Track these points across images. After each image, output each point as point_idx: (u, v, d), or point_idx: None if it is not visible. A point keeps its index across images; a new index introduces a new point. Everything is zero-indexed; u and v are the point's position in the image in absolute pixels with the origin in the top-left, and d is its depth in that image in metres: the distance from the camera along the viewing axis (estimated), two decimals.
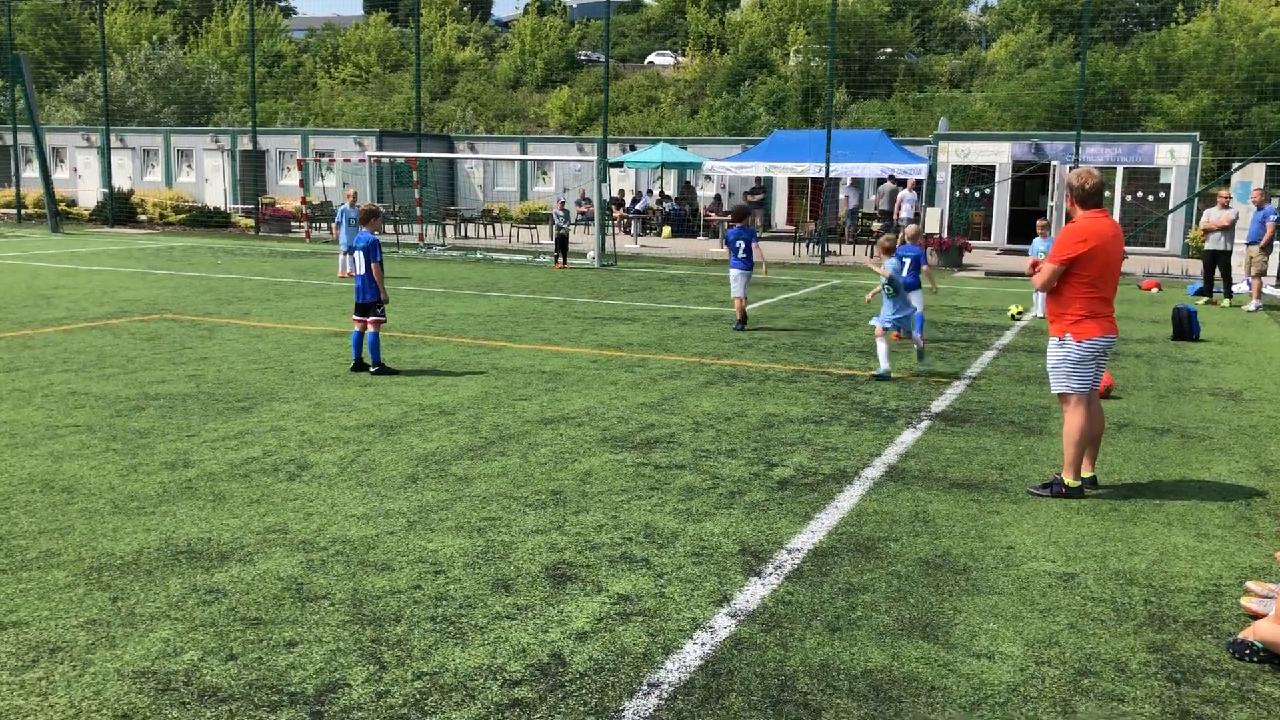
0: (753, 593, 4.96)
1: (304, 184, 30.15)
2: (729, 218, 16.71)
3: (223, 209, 35.58)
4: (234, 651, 4.26)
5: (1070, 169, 26.56)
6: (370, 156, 27.04)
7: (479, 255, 25.42)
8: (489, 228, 32.24)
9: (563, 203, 23.95)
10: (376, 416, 8.38)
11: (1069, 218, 6.65)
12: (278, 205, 33.82)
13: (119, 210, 33.69)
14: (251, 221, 32.59)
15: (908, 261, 11.88)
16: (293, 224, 32.21)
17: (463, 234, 31.58)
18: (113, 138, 37.38)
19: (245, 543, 5.50)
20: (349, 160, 29.82)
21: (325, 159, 31.06)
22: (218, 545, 5.46)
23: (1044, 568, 5.37)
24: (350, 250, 19.39)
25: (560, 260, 22.70)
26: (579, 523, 5.91)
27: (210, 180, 39.99)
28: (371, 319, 10.16)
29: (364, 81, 61.42)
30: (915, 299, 12.01)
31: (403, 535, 5.65)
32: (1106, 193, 27.94)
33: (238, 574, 5.07)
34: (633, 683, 4.06)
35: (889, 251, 10.97)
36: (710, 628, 4.56)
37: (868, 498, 6.51)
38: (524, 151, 38.04)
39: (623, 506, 6.22)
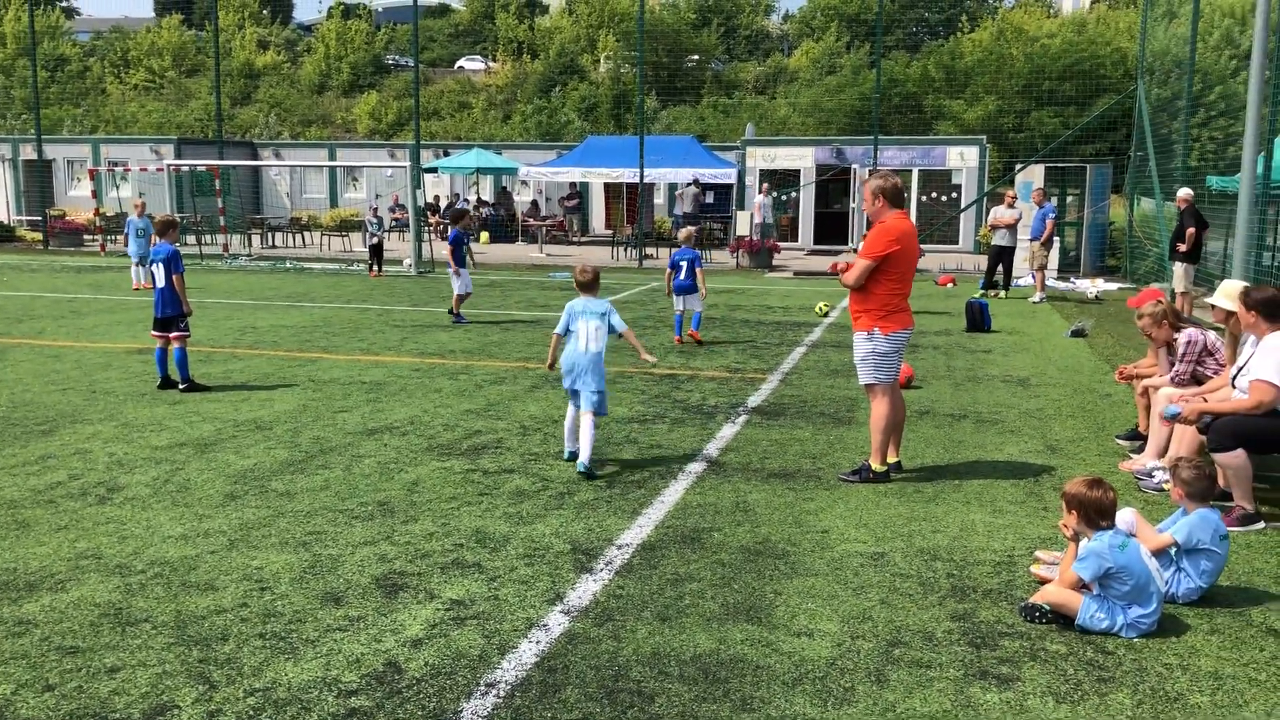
0: (585, 589, 5.07)
1: (96, 194, 28.56)
2: (449, 222, 16.60)
3: (5, 222, 33.33)
4: (50, 682, 4.08)
5: (870, 172, 27.93)
6: (169, 165, 25.85)
7: (289, 265, 24.69)
8: (298, 236, 31.34)
9: (375, 209, 23.55)
10: (189, 435, 8.10)
11: (870, 221, 7.04)
12: (68, 217, 31.91)
13: None
14: (39, 235, 30.66)
15: (684, 265, 12.77)
16: (85, 237, 30.48)
17: (270, 243, 30.60)
18: None
19: (55, 570, 5.25)
20: (145, 169, 28.44)
21: (119, 168, 29.52)
22: (24, 575, 5.19)
23: (856, 549, 5.70)
24: (143, 261, 18.81)
25: (375, 268, 22.31)
26: (408, 532, 5.90)
27: None
28: (175, 334, 9.82)
29: (158, 87, 58.67)
30: (694, 301, 12.96)
31: (225, 554, 5.51)
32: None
33: (49, 603, 4.84)
34: (470, 684, 4.12)
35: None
36: (545, 625, 4.65)
37: (691, 491, 6.73)
38: (333, 158, 37.14)
39: (452, 514, 6.24)
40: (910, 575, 5.31)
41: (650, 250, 26.80)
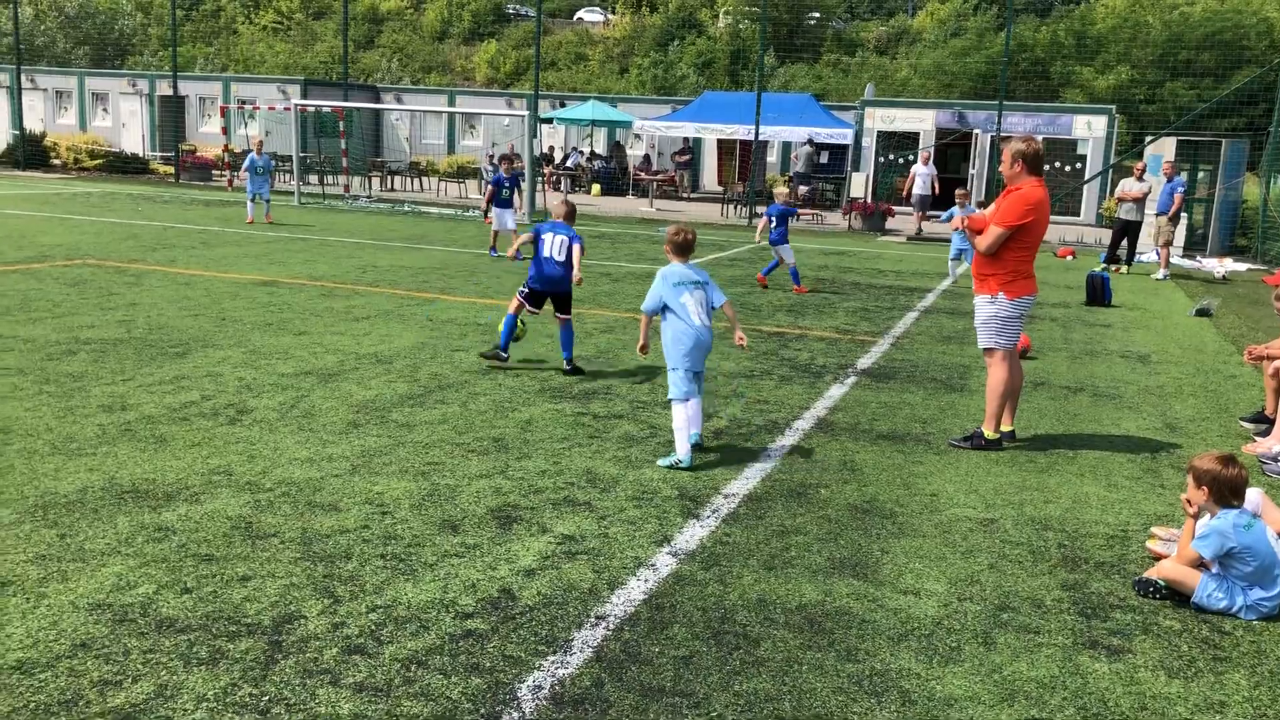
0: (692, 534, 5.16)
1: (226, 131, 29.49)
2: (501, 163, 17.26)
3: (141, 155, 34.63)
4: (188, 585, 4.34)
5: (992, 138, 27.19)
6: (296, 105, 26.52)
7: (407, 208, 25.19)
8: (416, 180, 31.91)
9: (492, 156, 23.83)
10: (314, 364, 8.40)
11: (1003, 184, 6.91)
12: (198, 153, 33.02)
13: (31, 154, 32.62)
14: (171, 169, 31.81)
15: (774, 218, 13.91)
16: (214, 172, 31.52)
17: (389, 186, 31.23)
18: (23, 78, 36.06)
19: (190, 483, 5.54)
20: (273, 109, 29.23)
21: (249, 106, 30.39)
22: (163, 485, 5.49)
23: (965, 514, 5.67)
24: (255, 197, 19.37)
25: (487, 215, 22.60)
26: (522, 468, 6.05)
27: (128, 125, 38.87)
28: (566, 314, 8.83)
29: (286, 29, 59.94)
30: (786, 253, 13.92)
31: (347, 478, 5.74)
32: None
33: (185, 513, 5.12)
34: (580, 615, 4.24)
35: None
36: (653, 565, 4.76)
37: (799, 448, 6.75)
38: (452, 104, 37.62)
39: (564, 453, 6.37)
40: (1020, 543, 5.27)
41: (761, 208, 26.60)
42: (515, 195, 17.07)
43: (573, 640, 4.03)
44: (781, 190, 14.34)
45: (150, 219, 19.75)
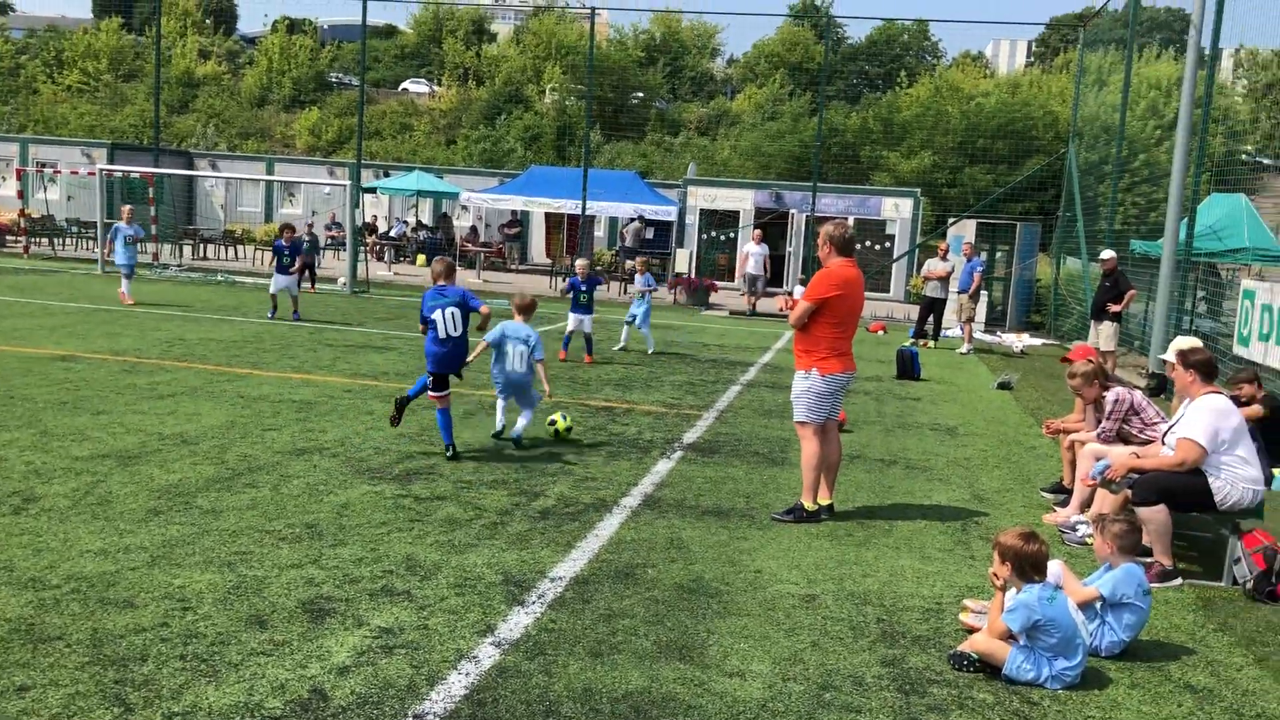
0: (516, 621, 5.02)
1: (23, 195, 27.83)
2: (283, 232, 17.39)
3: None
4: None
5: (807, 218, 28.34)
6: (101, 169, 25.29)
7: (220, 278, 24.26)
8: (231, 249, 30.83)
9: (311, 225, 23.32)
10: (112, 446, 7.88)
11: (819, 264, 7.16)
12: None
13: None
14: None
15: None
16: (9, 238, 29.66)
17: (202, 255, 30.06)
18: None
19: None
20: (75, 172, 27.80)
21: (49, 169, 28.82)
22: None
23: (788, 590, 5.72)
24: (131, 273, 17.80)
25: (300, 285, 22.12)
26: (337, 556, 5.79)
27: None
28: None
29: (93, 90, 57.39)
30: (587, 323, 14.58)
31: (146, 571, 5.35)
32: None
33: None
34: (397, 714, 4.04)
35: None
36: (475, 658, 4.59)
37: (626, 526, 6.71)
38: (270, 172, 36.66)
39: (382, 539, 6.14)
40: (841, 619, 5.34)
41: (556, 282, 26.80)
42: (296, 262, 17.39)
43: None
44: (581, 265, 14.89)
45: None
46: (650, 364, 14.47)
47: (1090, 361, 7.61)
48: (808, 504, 7.13)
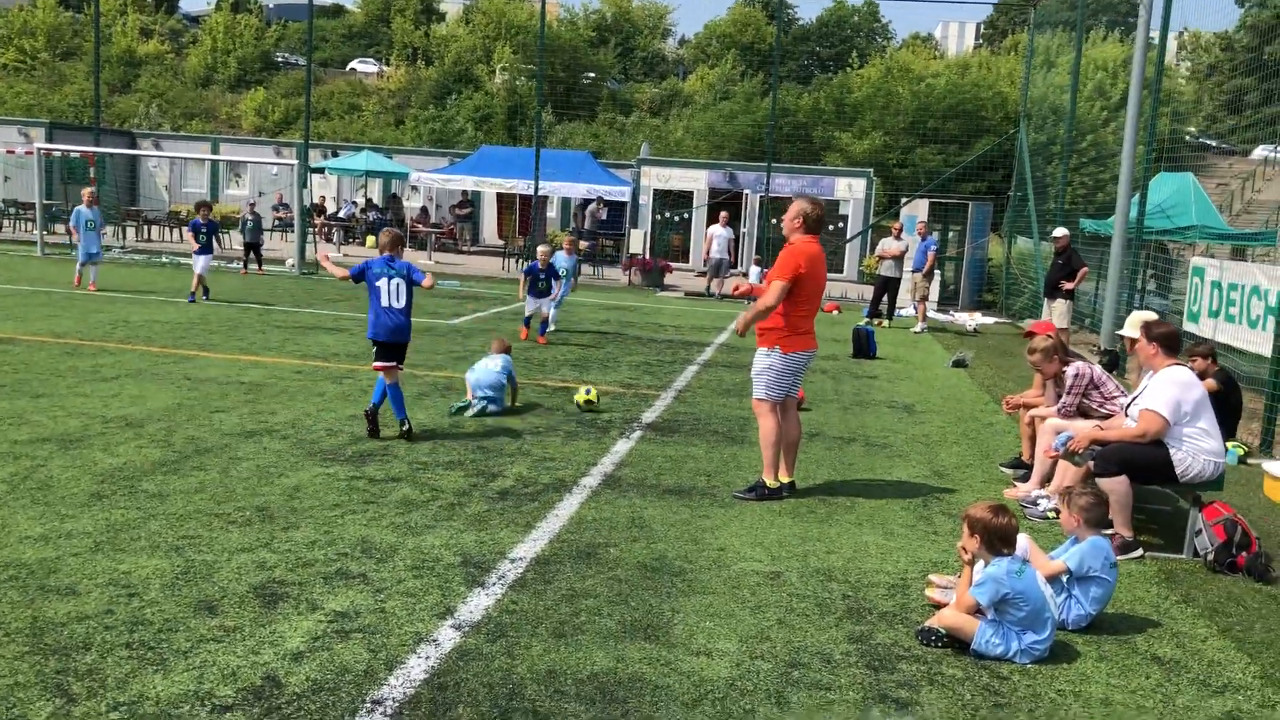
0: (477, 603, 4.88)
1: None
2: (199, 210, 17.37)
3: None
4: None
5: (761, 198, 28.30)
6: (39, 149, 24.59)
7: (165, 259, 23.72)
8: (175, 230, 30.19)
9: (253, 205, 22.89)
10: (53, 430, 7.61)
11: (780, 242, 7.08)
12: None
13: None
14: None
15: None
16: None
17: (145, 236, 29.43)
18: None
19: None
20: (13, 152, 27.05)
21: None
22: None
23: (753, 567, 5.64)
24: (91, 259, 16.71)
25: (246, 266, 21.78)
26: (289, 539, 5.61)
27: None
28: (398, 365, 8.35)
29: (30, 68, 55.91)
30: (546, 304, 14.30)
31: (89, 557, 5.15)
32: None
33: None
34: (354, 701, 3.90)
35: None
36: (434, 640, 4.45)
37: (586, 505, 6.59)
38: (215, 152, 35.94)
39: (336, 521, 5.96)
40: (807, 596, 5.27)
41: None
42: (213, 241, 17.09)
43: None
44: (543, 251, 14.52)
45: None
46: (607, 345, 14.34)
47: (1049, 337, 7.60)
48: (769, 481, 7.06)
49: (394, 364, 8.14)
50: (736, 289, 7.37)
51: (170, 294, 16.97)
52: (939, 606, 5.07)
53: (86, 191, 17.62)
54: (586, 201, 31.16)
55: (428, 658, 4.29)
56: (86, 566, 5.02)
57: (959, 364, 14.42)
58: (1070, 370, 7.36)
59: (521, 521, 6.18)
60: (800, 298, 6.90)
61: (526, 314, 14.42)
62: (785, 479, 7.19)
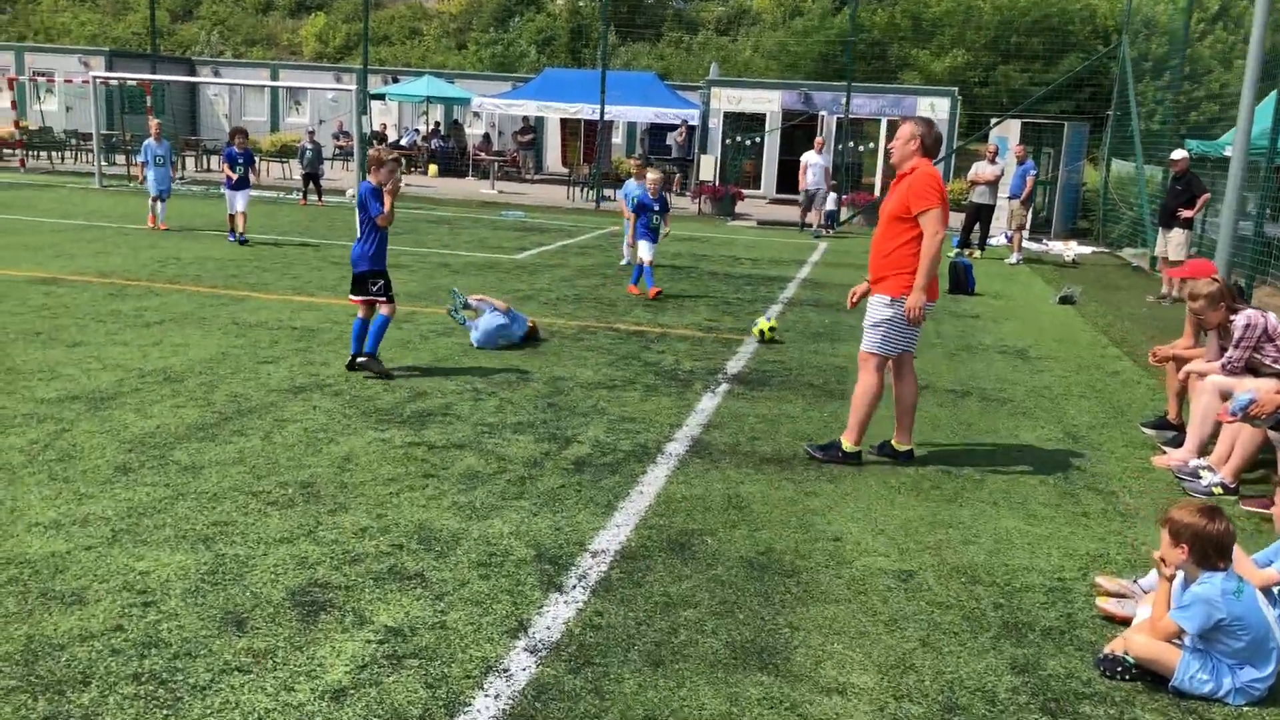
0: (554, 615, 4.06)
1: (16, 106, 26.61)
2: (234, 137, 15.34)
3: None
4: None
5: (839, 119, 26.85)
6: (95, 77, 24.01)
7: (222, 190, 23.11)
8: None
9: (312, 134, 22.11)
10: (84, 386, 6.91)
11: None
12: None
13: None
14: None
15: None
16: (5, 150, 28.54)
17: (204, 166, 28.90)
18: None
19: None
20: (70, 81, 26.53)
21: (43, 79, 27.54)
22: None
23: (878, 564, 4.74)
24: (162, 196, 15.61)
25: (305, 196, 21.11)
26: (336, 525, 4.83)
27: None
28: (378, 297, 7.68)
29: None
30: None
31: (104, 551, 4.41)
32: (872, 145, 28.49)
33: None
34: None
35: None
36: (505, 670, 3.64)
37: (675, 479, 5.73)
38: (275, 78, 35.20)
39: (390, 501, 5.17)
40: (951, 605, 4.37)
41: (608, 191, 25.57)
42: (250, 174, 15.26)
43: None
44: (654, 176, 12.11)
45: None
46: (681, 281, 13.39)
47: (1215, 280, 6.49)
48: (846, 443, 6.15)
49: (364, 297, 7.61)
50: (854, 300, 6.34)
51: (224, 227, 16.30)
52: (1113, 620, 4.16)
53: (154, 123, 16.63)
54: (656, 126, 30.01)
55: (498, 696, 3.48)
56: (100, 564, 4.29)
57: (1066, 300, 13.25)
58: (1240, 320, 6.28)
59: (602, 500, 5.34)
60: (921, 234, 5.91)
61: (639, 259, 11.84)
62: (902, 446, 6.27)
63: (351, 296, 7.72)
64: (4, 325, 8.58)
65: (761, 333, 9.68)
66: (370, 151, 7.74)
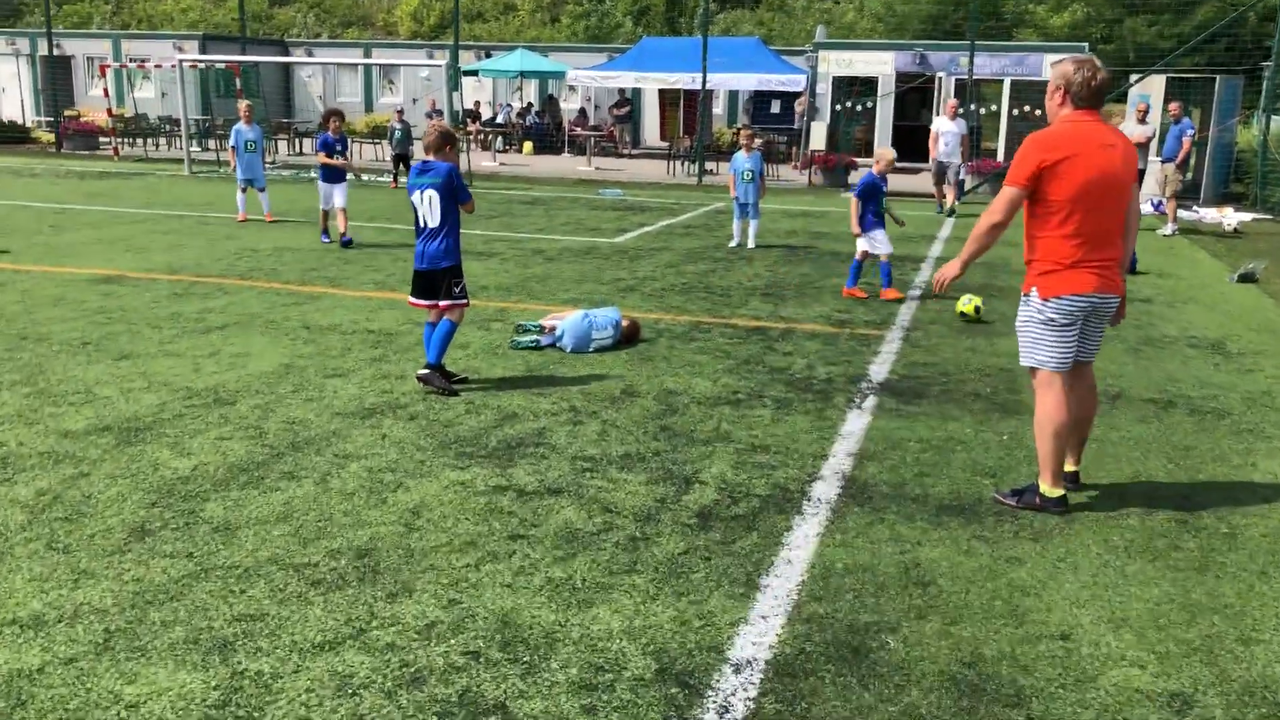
0: None
1: (109, 93, 26.33)
2: (330, 121, 12.90)
3: (21, 123, 31.30)
4: None
5: (958, 81, 24.98)
6: (180, 60, 23.46)
7: (314, 174, 22.39)
8: None
9: (401, 113, 21.16)
10: (119, 412, 5.90)
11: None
12: (83, 118, 29.76)
13: None
14: (53, 137, 28.57)
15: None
16: (101, 139, 28.36)
17: (298, 150, 28.32)
18: None
19: None
20: (159, 66, 26.13)
21: (133, 65, 27.23)
22: None
23: (1134, 682, 3.40)
24: (251, 184, 14.13)
25: (396, 180, 20.17)
26: (395, 620, 3.67)
27: (7, 90, 35.27)
28: (448, 302, 6.50)
29: None
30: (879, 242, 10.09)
31: (87, 666, 3.32)
32: (994, 107, 26.50)
33: None
34: None
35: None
36: None
37: (830, 539, 4.44)
38: (367, 57, 34.55)
39: (467, 579, 4.00)
40: None
41: (711, 166, 24.17)
42: (343, 161, 12.89)
43: None
44: (887, 155, 10.11)
45: (2, 197, 16.86)
46: (801, 263, 12.01)
47: None
48: (1045, 488, 4.77)
49: (431, 302, 6.42)
50: (940, 284, 4.96)
51: (311, 214, 15.42)
52: None
53: (243, 105, 14.99)
54: (759, 94, 28.50)
55: None
56: (77, 690, 3.19)
57: (1247, 278, 11.52)
58: None
59: (739, 575, 4.09)
60: (1055, 208, 4.53)
61: (876, 251, 9.97)
62: (1069, 468, 4.93)
63: (415, 300, 6.54)
64: (51, 334, 7.67)
65: (964, 314, 8.90)
66: (435, 131, 6.39)
